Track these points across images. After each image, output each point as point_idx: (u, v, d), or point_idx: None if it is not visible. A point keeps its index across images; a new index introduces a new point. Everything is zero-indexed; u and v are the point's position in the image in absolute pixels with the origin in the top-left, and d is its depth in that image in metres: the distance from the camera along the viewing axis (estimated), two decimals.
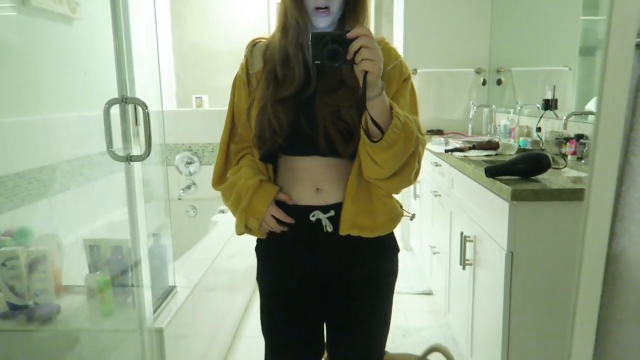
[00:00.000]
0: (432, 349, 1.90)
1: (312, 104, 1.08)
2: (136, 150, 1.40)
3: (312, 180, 1.13)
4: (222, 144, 1.22)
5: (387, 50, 1.12)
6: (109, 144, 1.33)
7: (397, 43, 3.74)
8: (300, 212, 1.14)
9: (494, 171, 1.68)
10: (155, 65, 1.87)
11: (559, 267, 1.53)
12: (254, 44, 1.18)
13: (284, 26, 1.11)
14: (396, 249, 1.23)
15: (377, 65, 0.94)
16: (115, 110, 1.42)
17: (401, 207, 1.21)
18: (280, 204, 1.15)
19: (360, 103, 0.98)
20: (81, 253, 1.76)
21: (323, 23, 1.07)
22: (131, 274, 1.63)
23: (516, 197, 1.50)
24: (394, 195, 1.19)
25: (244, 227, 1.17)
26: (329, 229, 1.12)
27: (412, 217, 1.28)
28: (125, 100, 1.33)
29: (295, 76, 1.09)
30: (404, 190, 1.19)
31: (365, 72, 0.94)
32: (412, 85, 1.15)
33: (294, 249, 1.18)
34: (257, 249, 1.25)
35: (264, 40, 1.18)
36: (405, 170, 1.08)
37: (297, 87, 1.09)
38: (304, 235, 1.15)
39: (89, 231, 2.15)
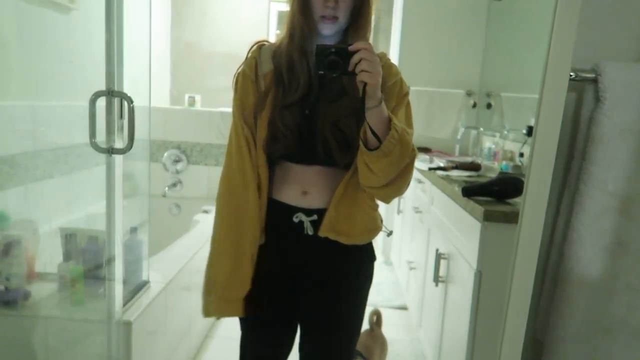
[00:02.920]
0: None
1: (314, 111, 1.12)
2: (119, 144, 1.42)
3: (301, 183, 1.17)
4: (231, 147, 1.19)
5: (388, 67, 1.16)
6: (92, 134, 1.35)
7: (392, 59, 3.80)
8: (285, 211, 1.18)
9: (469, 191, 1.71)
10: (147, 60, 1.89)
11: None
12: (260, 46, 1.20)
13: (291, 32, 1.14)
14: (372, 257, 1.27)
15: (375, 77, 0.99)
16: (102, 102, 1.44)
17: (381, 221, 1.25)
18: (271, 201, 1.18)
19: (359, 113, 1.02)
20: (57, 241, 1.77)
21: (329, 31, 1.11)
22: (105, 265, 1.64)
23: (488, 217, 1.54)
24: (378, 210, 1.24)
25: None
26: (310, 231, 1.17)
27: (390, 233, 1.32)
28: (111, 93, 1.35)
29: (300, 83, 1.12)
30: (389, 205, 1.23)
31: (365, 83, 0.99)
32: (409, 101, 1.19)
33: (273, 245, 1.21)
34: None
35: (268, 43, 1.21)
36: (399, 180, 1.12)
37: (301, 94, 1.12)
38: (285, 235, 1.19)
39: (68, 221, 2.15)
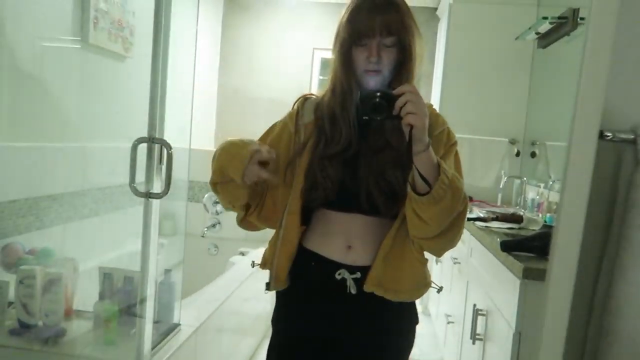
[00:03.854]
0: None
1: (357, 163, 1.11)
2: (157, 188, 1.46)
3: (346, 236, 1.14)
4: None
5: (435, 116, 1.15)
6: (132, 179, 1.40)
7: (433, 105, 3.79)
8: (327, 268, 1.14)
9: (509, 245, 1.64)
10: (189, 105, 1.96)
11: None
12: (305, 99, 1.23)
13: (334, 86, 1.16)
14: (415, 321, 1.21)
15: (421, 120, 0.97)
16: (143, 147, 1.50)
17: (430, 277, 1.20)
18: (309, 256, 1.16)
19: (406, 157, 1.00)
20: (95, 279, 1.81)
21: (373, 84, 1.10)
22: (138, 306, 1.66)
23: (527, 275, 1.47)
24: (427, 265, 1.18)
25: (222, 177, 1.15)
26: (353, 290, 1.11)
27: (440, 289, 1.25)
28: (152, 140, 1.40)
29: (342, 135, 1.12)
30: (428, 255, 1.19)
31: (411, 127, 0.97)
32: (457, 151, 1.17)
33: (313, 302, 1.17)
34: (278, 292, 1.25)
35: (314, 97, 1.23)
36: (452, 230, 1.07)
37: (343, 146, 1.12)
38: (326, 293, 1.14)
39: (108, 259, 2.22)
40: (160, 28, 1.44)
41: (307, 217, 1.19)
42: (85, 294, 1.82)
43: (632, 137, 0.69)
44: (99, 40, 2.27)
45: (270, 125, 1.26)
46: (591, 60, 0.54)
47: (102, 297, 1.74)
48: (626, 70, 0.71)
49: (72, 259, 1.82)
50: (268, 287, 1.21)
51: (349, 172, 1.11)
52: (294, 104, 1.23)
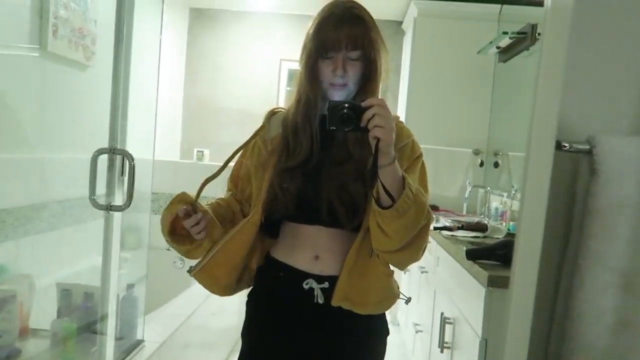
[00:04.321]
0: None
1: (319, 175, 1.11)
2: (118, 201, 1.42)
3: (313, 247, 1.13)
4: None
5: (400, 129, 1.14)
6: (92, 191, 1.35)
7: (400, 118, 3.84)
8: (295, 277, 1.13)
9: (474, 254, 1.67)
10: (153, 116, 1.93)
11: None
12: (273, 113, 1.23)
13: (299, 99, 1.15)
14: (385, 332, 1.21)
15: (388, 133, 0.96)
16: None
17: (398, 288, 1.20)
18: (278, 266, 1.16)
19: (371, 170, 0.99)
20: (54, 295, 1.74)
21: (338, 97, 1.10)
22: (99, 323, 1.60)
23: (492, 283, 1.49)
24: (393, 276, 1.18)
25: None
26: (320, 300, 1.11)
27: (408, 300, 1.24)
28: (113, 150, 1.36)
29: (302, 147, 1.12)
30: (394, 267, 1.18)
31: (378, 140, 0.96)
32: (423, 164, 1.17)
33: (281, 312, 1.16)
34: (247, 302, 1.24)
35: (282, 110, 1.23)
36: (415, 245, 1.07)
37: (303, 158, 1.12)
38: (295, 303, 1.13)
39: (68, 274, 2.14)
40: (121, 37, 1.42)
41: (275, 230, 1.19)
42: (43, 312, 1.75)
43: (588, 147, 0.71)
44: (58, 48, 2.21)
45: (239, 137, 1.25)
46: (546, 74, 0.55)
47: (60, 314, 1.67)
48: (581, 83, 0.73)
49: (28, 275, 1.75)
50: (190, 270, 1.20)
51: (310, 185, 1.11)
52: (264, 119, 1.24)
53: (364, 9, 1.13)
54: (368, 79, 1.12)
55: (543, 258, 0.70)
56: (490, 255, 1.64)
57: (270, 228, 1.19)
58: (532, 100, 0.53)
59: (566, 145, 0.74)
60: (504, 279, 1.48)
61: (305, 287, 1.12)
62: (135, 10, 1.45)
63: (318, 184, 1.10)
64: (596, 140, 0.70)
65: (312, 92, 1.12)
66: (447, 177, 3.47)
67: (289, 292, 1.13)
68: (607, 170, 0.70)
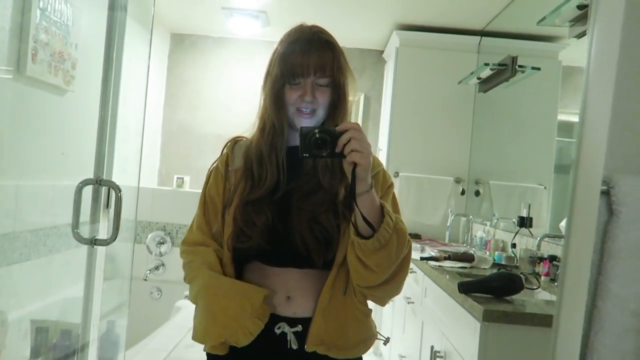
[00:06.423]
0: None
1: (288, 208, 1.04)
2: (102, 234, 1.35)
3: (284, 287, 1.06)
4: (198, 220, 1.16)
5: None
6: (75, 225, 1.28)
7: (382, 146, 3.86)
8: (266, 322, 1.04)
9: (467, 287, 1.65)
10: (139, 142, 1.87)
11: None
12: (235, 142, 1.17)
13: (263, 126, 1.10)
14: None
15: (366, 157, 0.91)
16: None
17: (375, 328, 1.14)
18: None
19: (348, 198, 0.94)
20: (27, 332, 1.64)
21: (308, 124, 1.05)
22: None
23: (488, 317, 1.47)
24: (371, 316, 1.13)
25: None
26: (294, 345, 1.04)
27: (387, 341, 1.18)
28: (99, 182, 1.30)
29: (267, 177, 1.06)
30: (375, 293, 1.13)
31: (355, 165, 0.91)
32: (394, 194, 1.13)
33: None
34: (209, 355, 1.13)
35: (244, 139, 1.17)
36: (398, 277, 1.02)
37: (269, 188, 1.06)
38: (266, 348, 1.05)
39: (43, 306, 2.02)
40: (111, 65, 1.37)
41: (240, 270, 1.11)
42: (15, 351, 1.64)
43: (605, 188, 0.70)
44: (37, 72, 2.14)
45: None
46: (595, 110, 0.54)
47: (35, 354, 1.57)
48: (597, 122, 0.73)
49: (0, 311, 1.64)
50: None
51: (279, 219, 1.04)
52: (223, 148, 1.17)
53: (330, 35, 1.10)
54: (337, 105, 1.08)
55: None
56: (485, 289, 1.62)
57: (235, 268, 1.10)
58: (577, 142, 0.52)
59: None
60: (500, 313, 1.47)
61: (277, 331, 1.05)
62: (125, 38, 1.41)
63: (287, 216, 1.03)
64: (614, 180, 0.70)
65: (277, 120, 1.07)
66: (429, 205, 3.48)
67: (260, 338, 1.04)
68: (627, 211, 0.69)
